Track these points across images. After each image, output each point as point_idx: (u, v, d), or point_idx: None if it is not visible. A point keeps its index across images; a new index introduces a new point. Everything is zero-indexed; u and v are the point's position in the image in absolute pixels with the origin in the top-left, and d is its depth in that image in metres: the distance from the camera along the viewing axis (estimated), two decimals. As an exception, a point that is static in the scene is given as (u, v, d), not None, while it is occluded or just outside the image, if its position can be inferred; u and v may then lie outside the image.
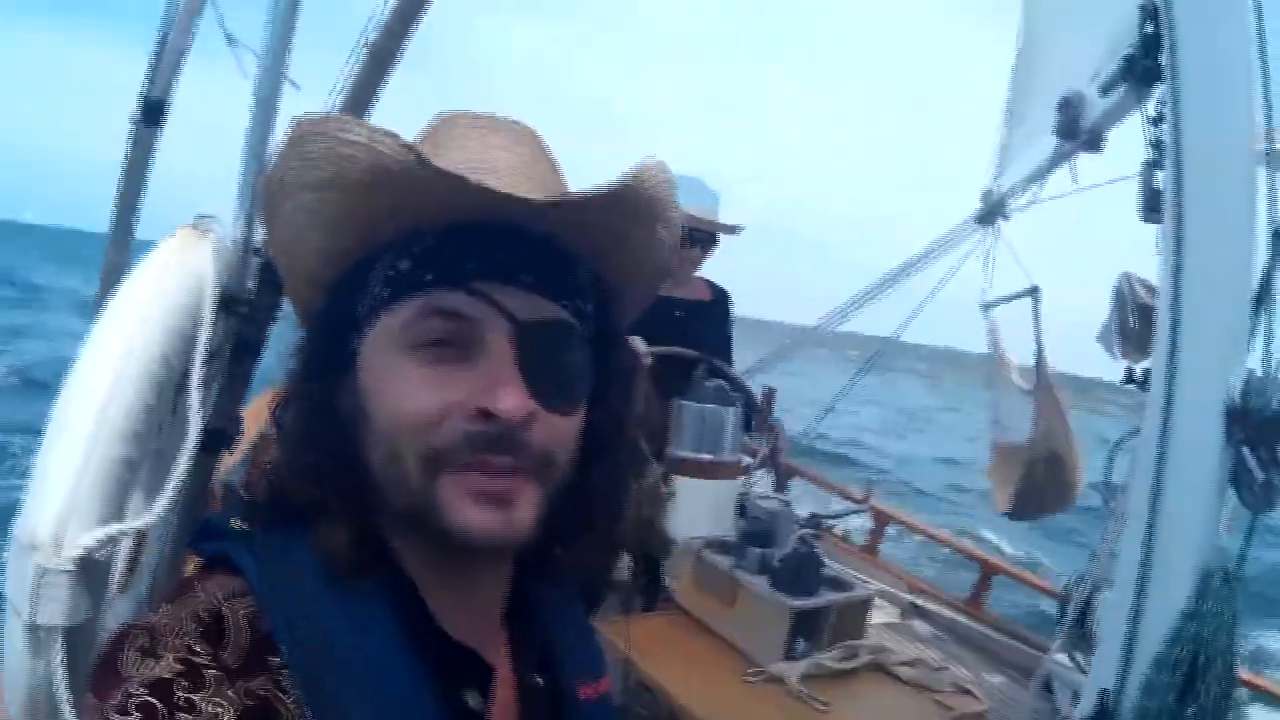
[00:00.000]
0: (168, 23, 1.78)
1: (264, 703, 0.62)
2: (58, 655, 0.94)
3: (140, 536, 1.16)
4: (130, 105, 1.92)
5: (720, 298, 3.29)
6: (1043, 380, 3.22)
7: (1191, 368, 1.04)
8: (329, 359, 0.75)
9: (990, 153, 3.52)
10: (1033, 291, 3.27)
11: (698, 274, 3.23)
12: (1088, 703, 1.09)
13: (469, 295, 0.69)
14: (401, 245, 0.71)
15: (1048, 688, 2.44)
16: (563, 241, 0.74)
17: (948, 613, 3.06)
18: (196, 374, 1.06)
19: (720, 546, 2.36)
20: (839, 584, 2.27)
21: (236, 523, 0.72)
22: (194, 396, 1.05)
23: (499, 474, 0.69)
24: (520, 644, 0.86)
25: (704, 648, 2.19)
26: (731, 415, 2.58)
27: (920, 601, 3.09)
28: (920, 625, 2.90)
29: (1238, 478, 1.04)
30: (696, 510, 2.52)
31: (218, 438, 1.18)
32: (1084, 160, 2.36)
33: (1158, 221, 1.10)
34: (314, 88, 1.41)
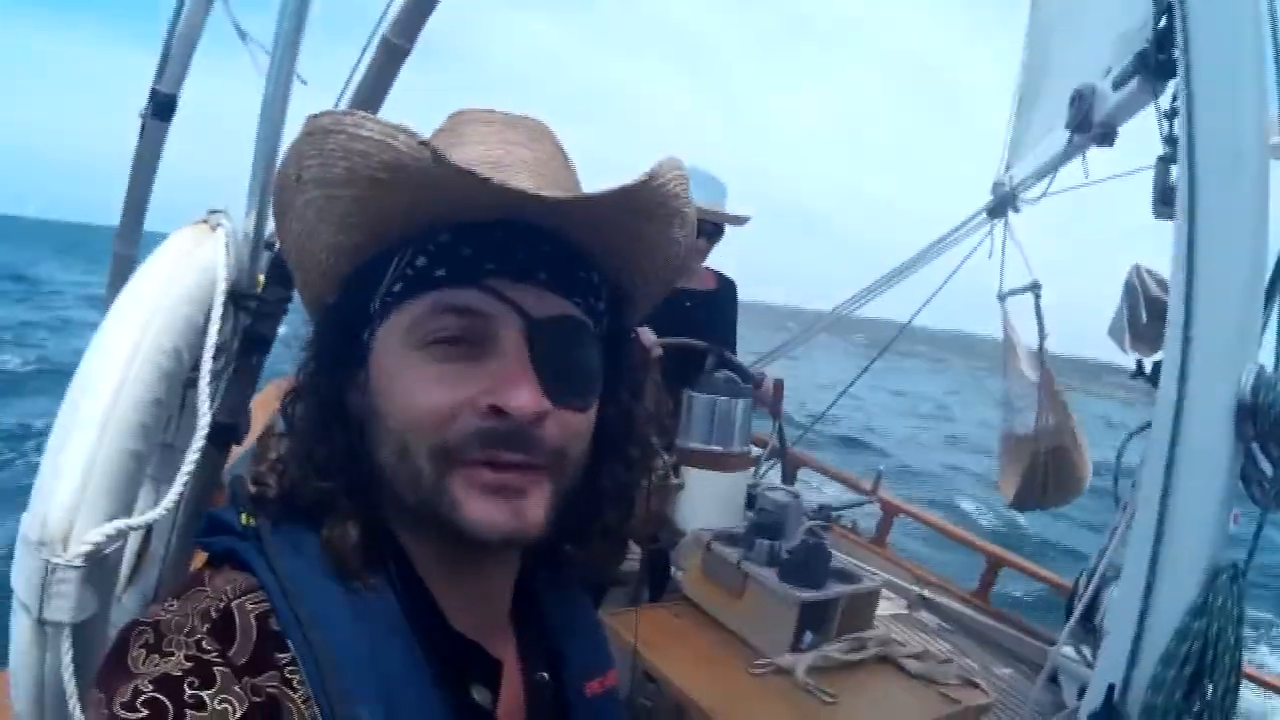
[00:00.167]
0: (177, 16, 1.77)
1: (272, 700, 0.62)
2: (66, 651, 0.94)
3: (147, 531, 1.17)
4: (130, 101, 1.92)
5: (726, 287, 3.29)
6: (1046, 375, 3.23)
7: (1202, 363, 1.03)
8: (339, 354, 0.75)
9: (998, 144, 3.52)
10: (1034, 287, 3.28)
11: (704, 264, 3.23)
12: (1095, 697, 1.09)
13: (482, 292, 0.69)
14: (415, 241, 0.71)
15: (1053, 680, 2.44)
16: (576, 239, 0.74)
17: (955, 605, 3.06)
18: (206, 368, 1.06)
19: (729, 538, 2.36)
20: (847, 576, 2.27)
21: (245, 518, 0.72)
22: (204, 390, 1.05)
23: (511, 470, 0.69)
24: (527, 639, 0.86)
25: (711, 639, 2.20)
26: (741, 407, 2.58)
27: (927, 593, 3.09)
28: (927, 617, 2.90)
29: (1247, 474, 1.03)
30: (705, 502, 2.52)
31: (226, 432, 1.18)
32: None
33: (1170, 217, 1.09)
34: (318, 83, 1.40)
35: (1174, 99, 1.11)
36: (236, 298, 1.15)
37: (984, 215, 3.52)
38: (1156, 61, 1.14)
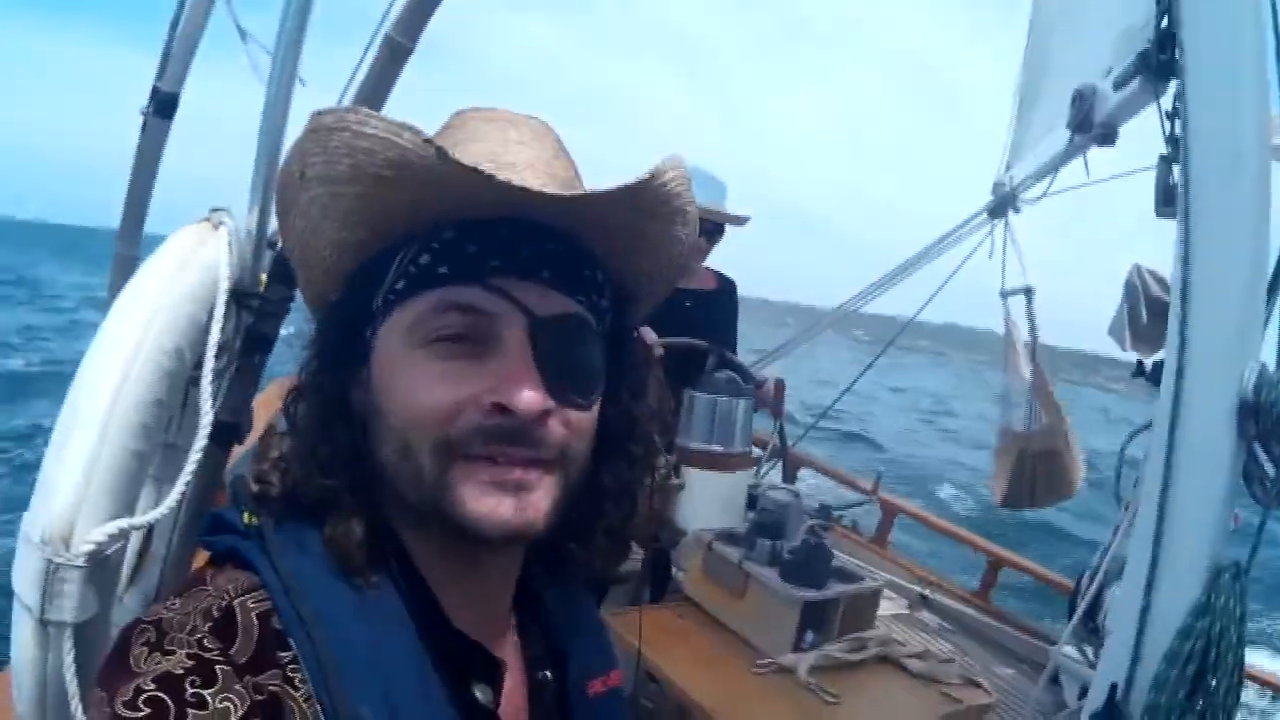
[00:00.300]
0: (179, 14, 1.77)
1: (274, 698, 0.62)
2: (68, 651, 0.94)
3: (148, 530, 1.16)
4: (127, 102, 1.92)
5: (727, 287, 3.30)
6: (1039, 377, 3.24)
7: (1204, 362, 1.03)
8: (342, 352, 0.75)
9: (998, 144, 3.52)
10: (1027, 291, 3.31)
11: (704, 264, 3.23)
12: (1097, 696, 1.08)
13: (486, 290, 0.69)
14: (419, 238, 0.71)
15: (1054, 680, 2.44)
16: (579, 237, 0.74)
17: (956, 605, 3.06)
18: (208, 367, 1.06)
19: (730, 538, 2.37)
20: (848, 576, 2.27)
21: (248, 517, 0.72)
22: (206, 389, 1.05)
23: (515, 465, 0.69)
24: (529, 638, 0.86)
25: (712, 639, 2.20)
26: (742, 407, 2.58)
27: (928, 593, 3.09)
28: (928, 617, 2.90)
29: (1249, 473, 1.03)
30: (706, 502, 2.53)
31: (228, 431, 1.18)
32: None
33: (1172, 217, 1.09)
34: (316, 84, 1.40)
35: (1176, 99, 1.10)
36: (239, 296, 1.15)
37: (985, 215, 3.52)
38: (1158, 61, 1.14)
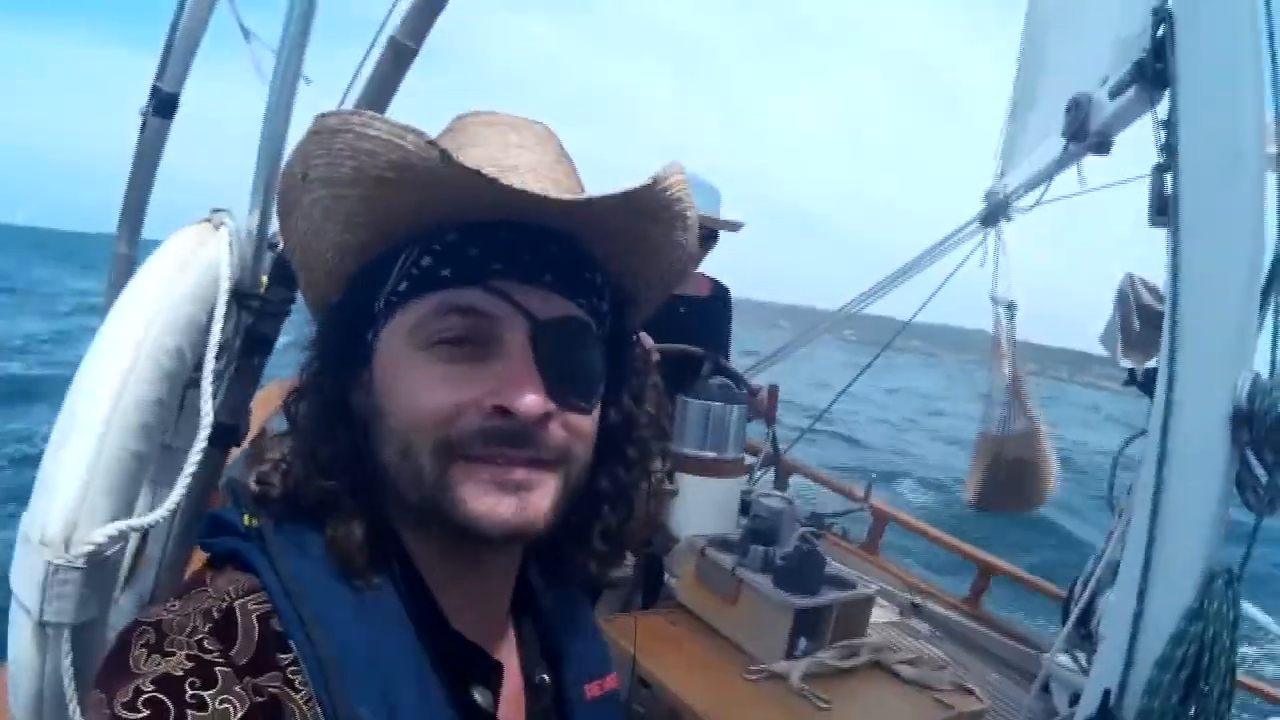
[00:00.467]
0: (179, 13, 1.76)
1: (274, 700, 0.62)
2: (66, 653, 0.94)
3: (144, 532, 1.16)
4: (126, 103, 1.90)
5: (721, 293, 3.31)
6: (1018, 386, 3.28)
7: (1197, 370, 1.04)
8: (343, 354, 0.75)
9: (990, 150, 3.54)
10: (1009, 307, 3.39)
11: (698, 270, 3.24)
12: (1091, 701, 1.09)
13: (488, 293, 0.70)
14: (421, 241, 0.71)
15: (1045, 687, 2.44)
16: (580, 241, 0.74)
17: (947, 612, 3.07)
18: (209, 368, 1.06)
19: (723, 544, 2.37)
20: (841, 583, 2.27)
21: (248, 518, 0.72)
22: (206, 390, 1.04)
23: (515, 465, 0.69)
24: (527, 641, 0.86)
25: (705, 645, 2.20)
26: (735, 413, 2.58)
27: (920, 600, 3.09)
28: (920, 624, 2.90)
29: (1242, 480, 1.04)
30: (700, 508, 2.52)
31: (227, 433, 1.18)
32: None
33: (1166, 225, 1.10)
34: (318, 86, 1.40)
35: (1171, 108, 1.11)
36: (239, 297, 1.15)
37: (977, 224, 3.54)
38: (1154, 71, 1.15)
